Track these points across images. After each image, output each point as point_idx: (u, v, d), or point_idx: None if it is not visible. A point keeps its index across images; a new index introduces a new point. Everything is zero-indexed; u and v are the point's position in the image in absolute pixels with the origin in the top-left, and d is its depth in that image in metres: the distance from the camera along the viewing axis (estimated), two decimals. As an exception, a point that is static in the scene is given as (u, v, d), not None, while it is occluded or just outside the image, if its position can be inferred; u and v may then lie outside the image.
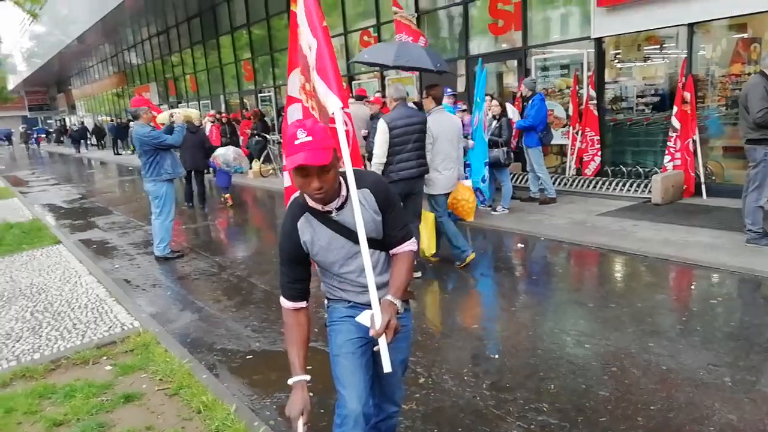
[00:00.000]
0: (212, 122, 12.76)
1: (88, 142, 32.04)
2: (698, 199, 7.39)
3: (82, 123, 34.52)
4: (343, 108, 2.31)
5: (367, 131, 8.13)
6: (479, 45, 10.36)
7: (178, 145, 6.53)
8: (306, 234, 2.03)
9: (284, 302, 2.12)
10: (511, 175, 9.13)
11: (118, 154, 25.53)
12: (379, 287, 2.04)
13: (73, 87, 42.08)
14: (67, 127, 36.79)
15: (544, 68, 9.46)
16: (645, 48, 8.28)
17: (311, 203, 2.00)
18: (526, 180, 8.46)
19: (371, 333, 1.91)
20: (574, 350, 3.71)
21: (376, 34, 12.38)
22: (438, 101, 5.33)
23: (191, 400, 3.26)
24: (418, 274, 5.24)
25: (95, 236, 8.45)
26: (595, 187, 8.42)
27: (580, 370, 3.44)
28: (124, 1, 16.93)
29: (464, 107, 8.21)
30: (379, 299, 1.97)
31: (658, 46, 8.17)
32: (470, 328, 4.27)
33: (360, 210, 1.97)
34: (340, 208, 2.01)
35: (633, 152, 8.57)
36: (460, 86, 10.43)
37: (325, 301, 2.27)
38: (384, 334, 1.88)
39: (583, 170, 8.81)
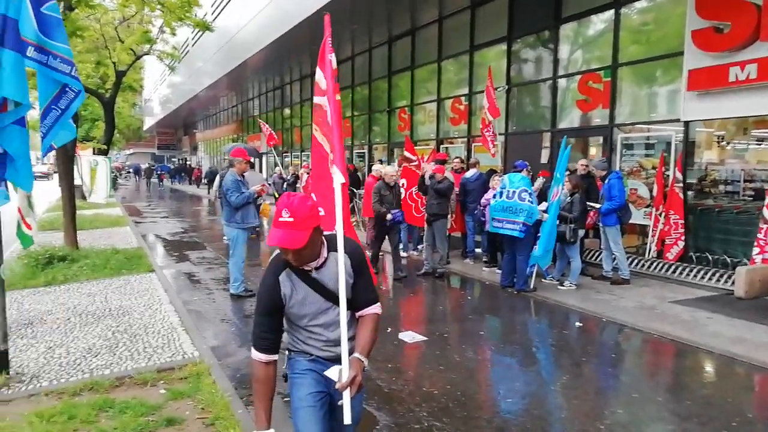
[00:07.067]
0: (308, 173, 13.66)
1: (185, 178, 40.90)
2: (790, 298, 6.81)
3: (179, 162, 45.23)
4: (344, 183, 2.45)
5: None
6: (566, 119, 10.41)
7: (236, 206, 6.88)
8: (286, 287, 2.21)
9: (256, 354, 2.22)
10: (587, 252, 8.93)
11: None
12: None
13: (196, 130, 46.45)
14: (188, 166, 42.26)
15: (629, 146, 9.31)
16: (754, 131, 7.89)
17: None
18: (602, 257, 8.22)
19: (337, 386, 2.08)
20: (603, 440, 3.60)
21: (467, 102, 12.79)
22: (252, 166, 9.79)
23: (223, 431, 3.53)
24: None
25: (185, 268, 9.24)
26: (674, 272, 8.01)
27: (603, 461, 3.34)
28: (247, 60, 18.81)
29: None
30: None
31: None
32: (504, 401, 4.24)
33: (344, 273, 2.18)
34: (320, 267, 2.22)
35: (721, 240, 8.09)
36: (544, 158, 10.46)
37: (287, 353, 2.42)
38: (348, 389, 2.06)
39: (665, 254, 8.42)
